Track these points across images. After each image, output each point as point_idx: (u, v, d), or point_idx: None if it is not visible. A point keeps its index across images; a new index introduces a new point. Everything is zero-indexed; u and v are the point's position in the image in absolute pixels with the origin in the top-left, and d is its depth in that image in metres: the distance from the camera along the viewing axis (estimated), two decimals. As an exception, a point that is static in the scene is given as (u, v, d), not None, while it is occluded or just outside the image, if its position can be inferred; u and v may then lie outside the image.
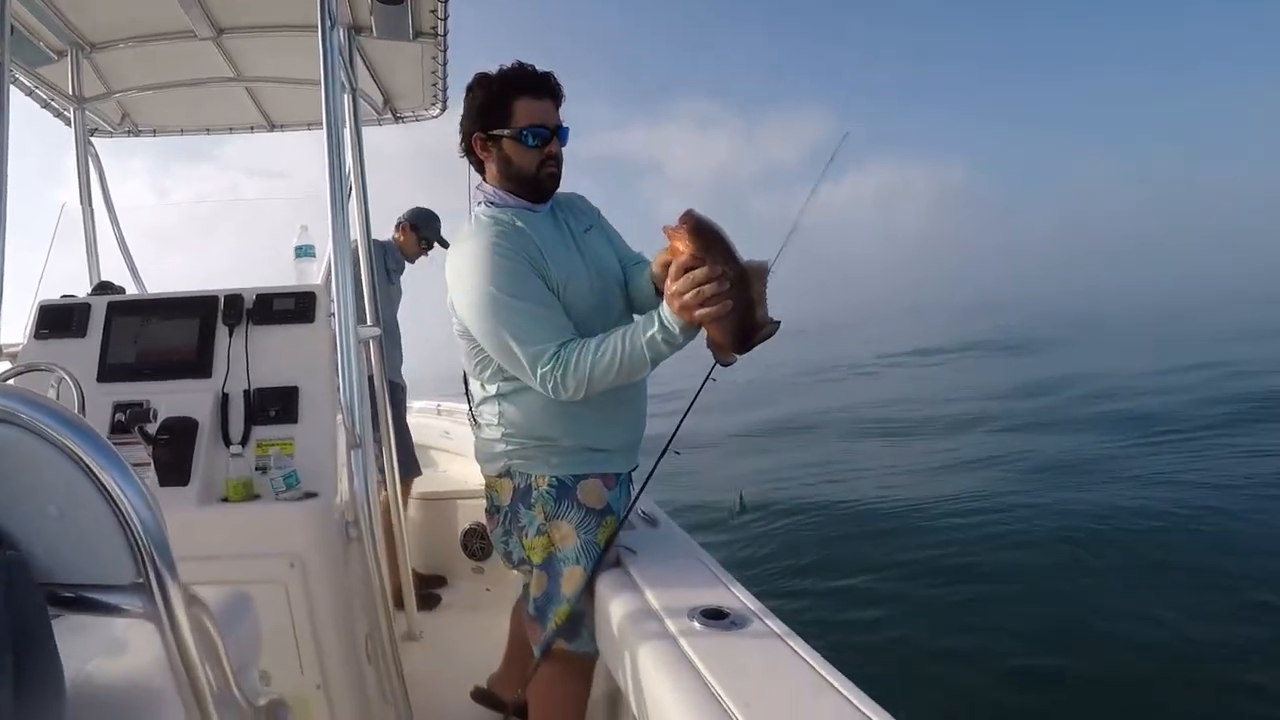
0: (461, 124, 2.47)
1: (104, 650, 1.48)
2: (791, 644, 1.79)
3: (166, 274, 4.06)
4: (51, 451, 1.04)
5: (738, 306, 1.99)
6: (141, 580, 1.07)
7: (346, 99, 3.45)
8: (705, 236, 1.98)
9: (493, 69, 2.42)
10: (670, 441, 2.40)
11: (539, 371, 2.20)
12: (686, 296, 1.98)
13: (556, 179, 2.45)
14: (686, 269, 1.98)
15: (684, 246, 1.99)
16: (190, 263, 4.23)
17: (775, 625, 1.89)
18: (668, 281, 2.04)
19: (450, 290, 2.38)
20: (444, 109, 4.66)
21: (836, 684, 1.61)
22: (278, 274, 3.28)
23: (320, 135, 4.84)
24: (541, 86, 2.39)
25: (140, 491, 1.06)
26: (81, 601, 1.09)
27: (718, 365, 2.18)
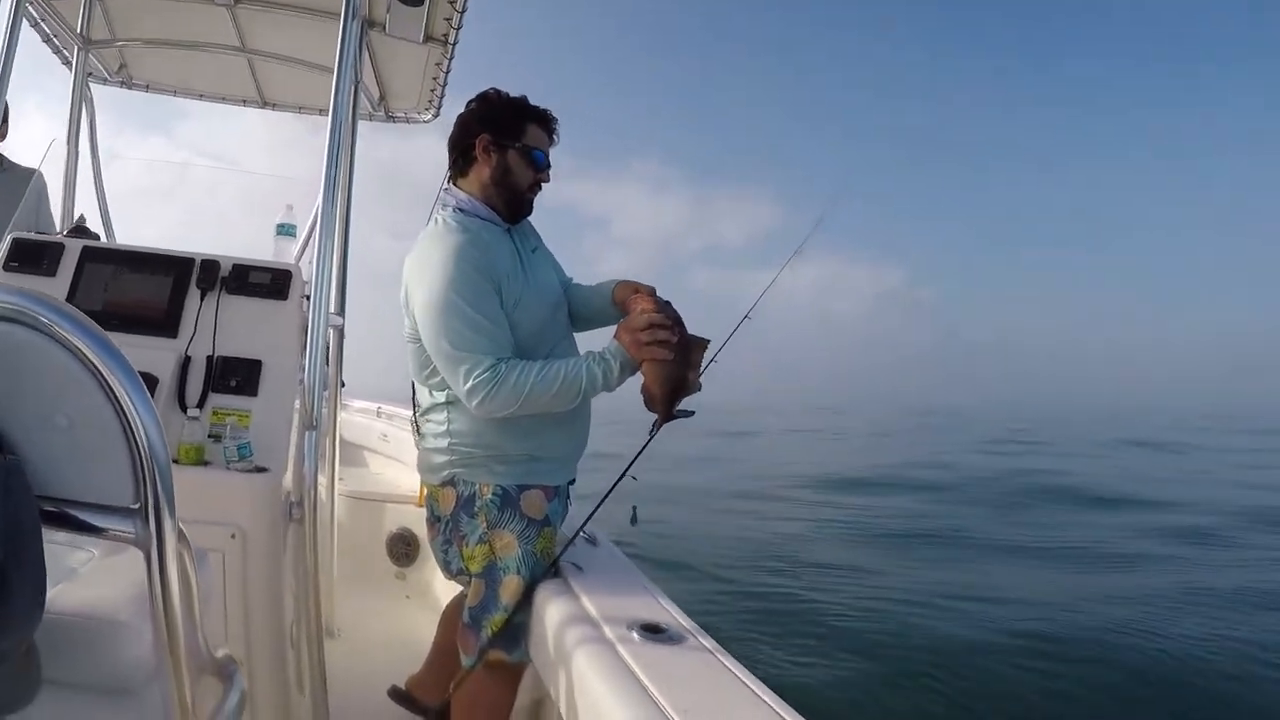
0: (466, 125, 2.52)
1: (69, 577, 1.48)
2: (724, 660, 1.85)
3: (140, 232, 4.05)
4: (69, 358, 1.04)
5: (677, 362, 2.32)
6: (138, 506, 1.07)
7: (350, 91, 3.46)
8: (664, 305, 2.38)
9: (499, 90, 2.54)
10: (629, 467, 2.44)
11: (472, 380, 2.24)
12: (643, 334, 2.30)
13: (532, 205, 2.58)
14: (646, 313, 2.34)
15: (645, 304, 2.39)
16: (161, 223, 4.22)
17: (708, 642, 1.95)
18: (625, 322, 2.37)
19: (408, 287, 2.42)
20: (436, 115, 4.68)
21: (768, 699, 1.67)
22: (243, 248, 3.25)
23: (306, 120, 4.84)
24: (549, 123, 2.55)
25: (154, 414, 1.06)
26: (71, 519, 1.09)
27: (657, 425, 2.40)
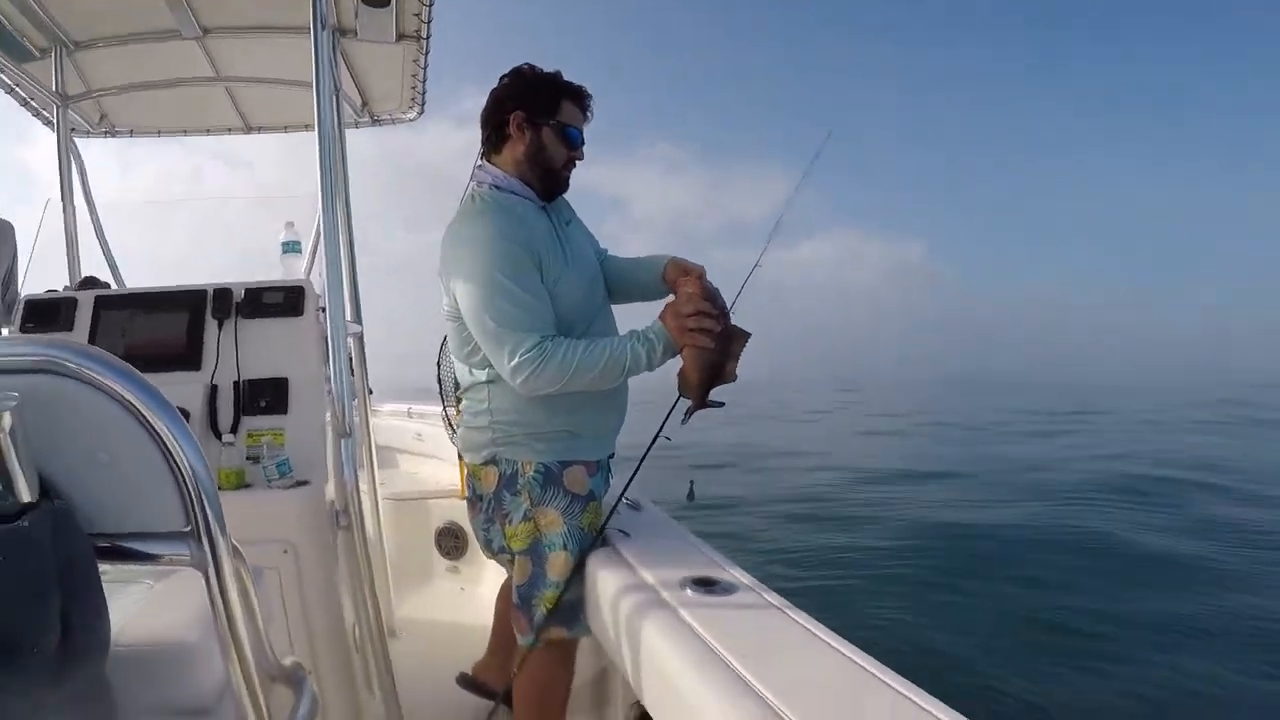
0: (499, 101, 2.48)
1: (136, 607, 1.52)
2: (782, 607, 1.88)
3: (144, 269, 4.09)
4: (101, 399, 1.07)
5: (717, 350, 2.31)
6: (190, 528, 1.10)
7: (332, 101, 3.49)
8: (712, 290, 2.36)
9: (532, 65, 2.50)
10: (660, 430, 2.44)
11: (518, 357, 2.23)
12: (689, 320, 2.28)
13: (568, 182, 2.54)
14: (693, 300, 2.32)
15: (693, 289, 2.35)
16: (168, 258, 4.26)
17: (764, 592, 1.98)
18: (672, 305, 2.34)
19: (447, 264, 2.40)
20: (421, 112, 4.69)
21: (831, 641, 1.69)
22: (251, 272, 3.29)
23: (294, 137, 4.85)
24: (584, 99, 2.51)
25: (191, 438, 1.09)
26: (127, 551, 1.12)
27: (689, 411, 2.41)
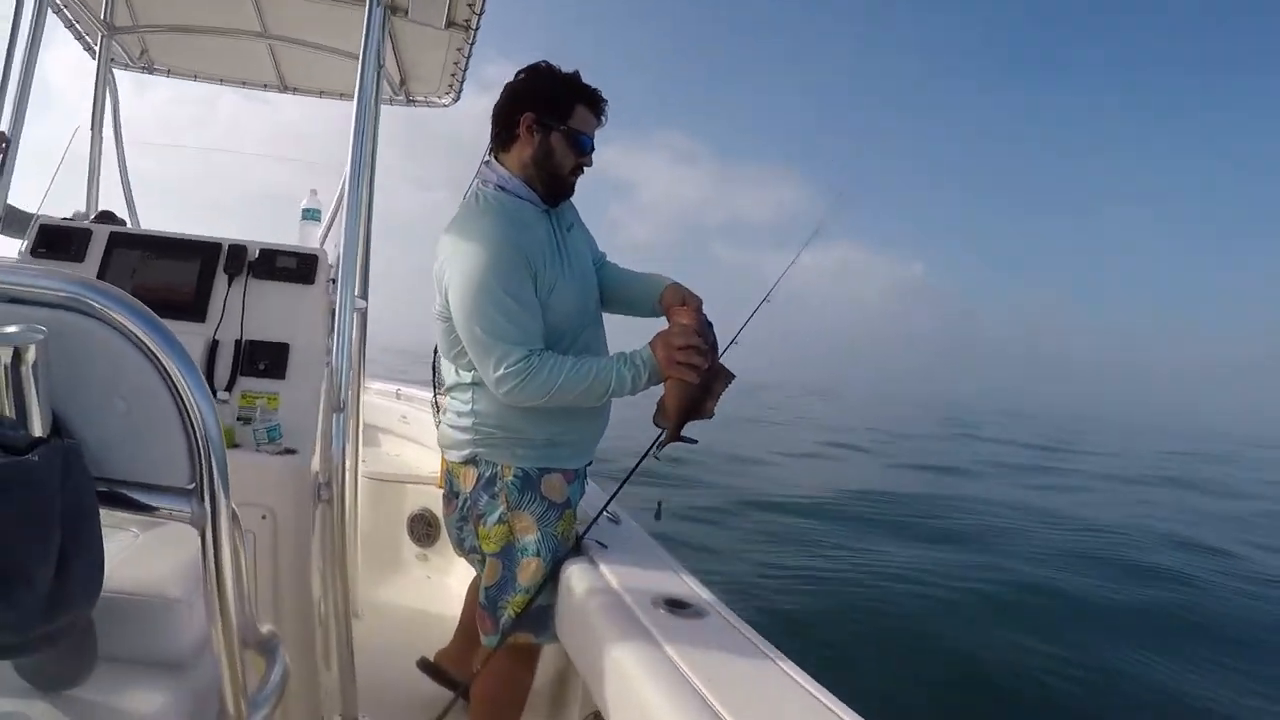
0: (512, 99, 2.47)
1: (122, 555, 1.52)
2: (747, 634, 1.91)
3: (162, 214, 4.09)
4: (124, 344, 1.07)
5: (700, 386, 2.34)
6: (194, 486, 1.10)
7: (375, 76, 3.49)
8: (706, 326, 2.38)
9: (550, 63, 2.48)
10: (649, 450, 2.46)
11: (503, 369, 2.25)
12: (679, 352, 2.30)
13: (574, 188, 2.54)
14: (686, 332, 2.33)
15: (687, 320, 2.37)
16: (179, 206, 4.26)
17: (735, 620, 2.00)
18: (665, 334, 2.35)
19: (444, 262, 2.40)
20: (456, 99, 4.69)
21: (790, 671, 1.73)
22: (267, 232, 3.29)
23: (327, 104, 4.86)
24: (599, 104, 2.49)
25: (208, 397, 1.09)
26: (127, 500, 1.12)
27: (662, 442, 2.45)
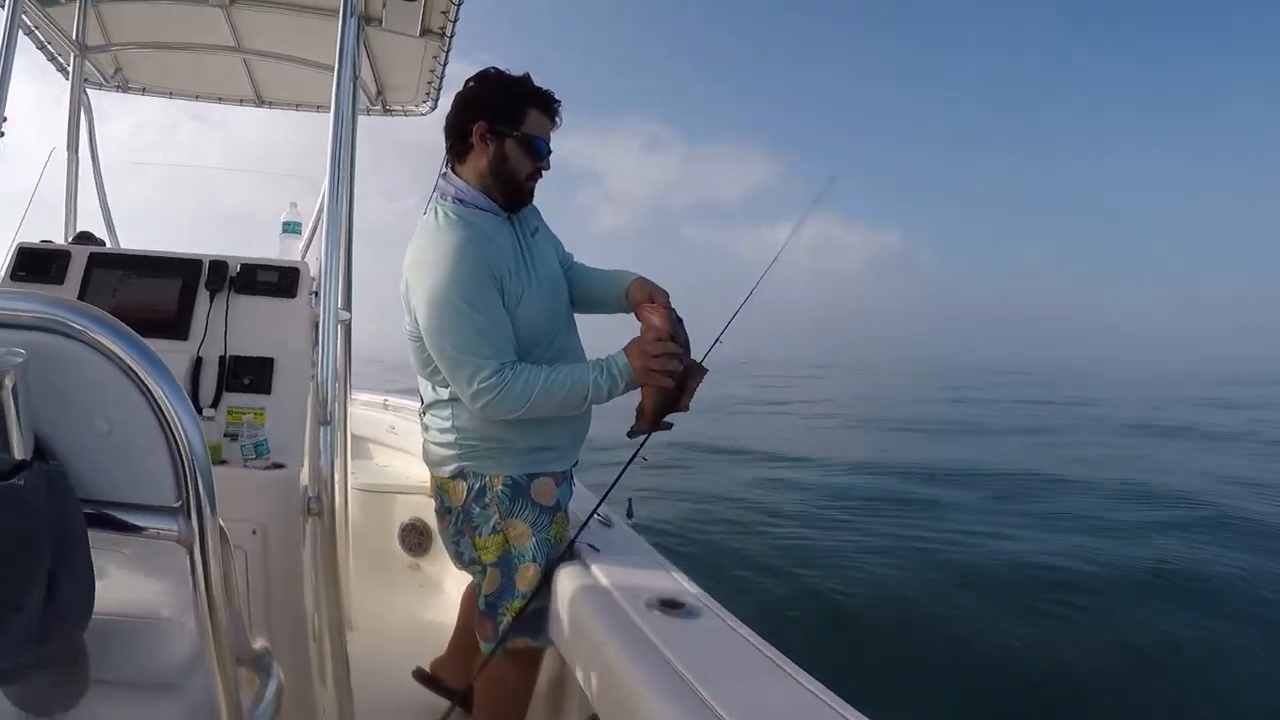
0: (463, 109, 2.46)
1: (111, 576, 1.51)
2: (741, 631, 1.92)
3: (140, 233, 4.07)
4: (104, 363, 1.06)
5: (674, 388, 2.37)
6: (180, 504, 1.10)
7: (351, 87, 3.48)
8: (678, 327, 2.39)
9: (499, 69, 2.47)
10: (637, 453, 2.47)
11: (476, 385, 2.25)
12: (655, 360, 2.32)
13: (533, 194, 2.52)
14: (660, 339, 2.34)
15: (659, 323, 2.38)
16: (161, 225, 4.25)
17: (729, 618, 2.01)
18: (639, 343, 2.36)
19: (408, 282, 2.40)
20: (434, 107, 4.69)
21: (786, 667, 1.73)
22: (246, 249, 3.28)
23: (304, 117, 4.85)
24: (552, 106, 2.47)
25: (191, 413, 1.09)
26: (113, 520, 1.11)
27: (644, 444, 2.50)
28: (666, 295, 2.49)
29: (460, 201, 2.44)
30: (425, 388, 2.57)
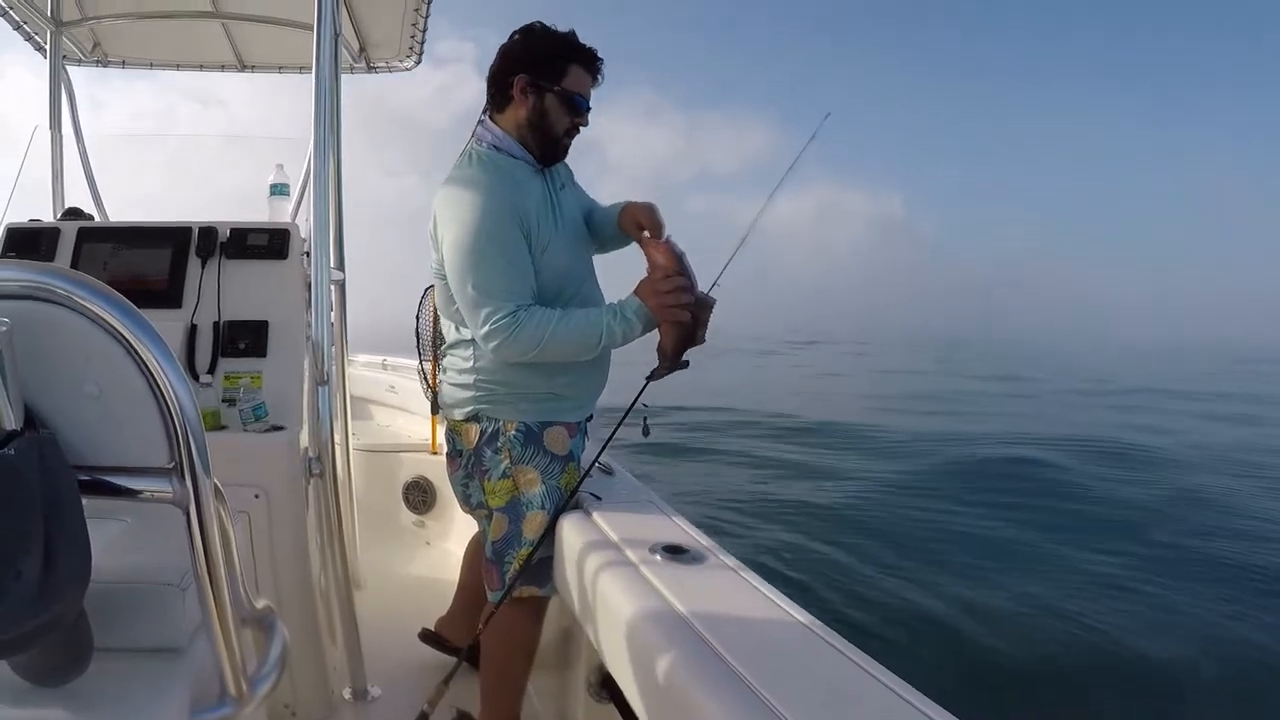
0: (505, 61, 2.44)
1: (114, 542, 1.51)
2: (744, 575, 1.92)
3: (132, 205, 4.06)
4: (91, 328, 1.06)
5: (691, 320, 2.37)
6: (173, 465, 1.10)
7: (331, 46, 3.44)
8: (683, 261, 2.37)
9: (544, 24, 2.46)
10: (637, 398, 2.47)
11: (490, 324, 2.25)
12: (668, 295, 2.31)
13: (567, 150, 2.52)
14: (669, 276, 2.33)
15: (664, 260, 2.36)
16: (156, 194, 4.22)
17: (729, 560, 2.02)
18: (650, 282, 2.34)
19: (438, 219, 2.40)
20: (418, 62, 4.66)
21: (788, 608, 1.74)
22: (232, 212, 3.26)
23: (289, 79, 4.80)
24: (595, 64, 2.46)
25: (180, 373, 1.08)
26: (109, 485, 1.11)
27: (654, 375, 2.47)
28: (653, 215, 2.49)
29: (495, 148, 2.44)
30: (448, 328, 2.56)
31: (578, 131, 2.49)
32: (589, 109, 2.47)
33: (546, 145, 2.45)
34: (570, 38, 2.43)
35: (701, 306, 2.38)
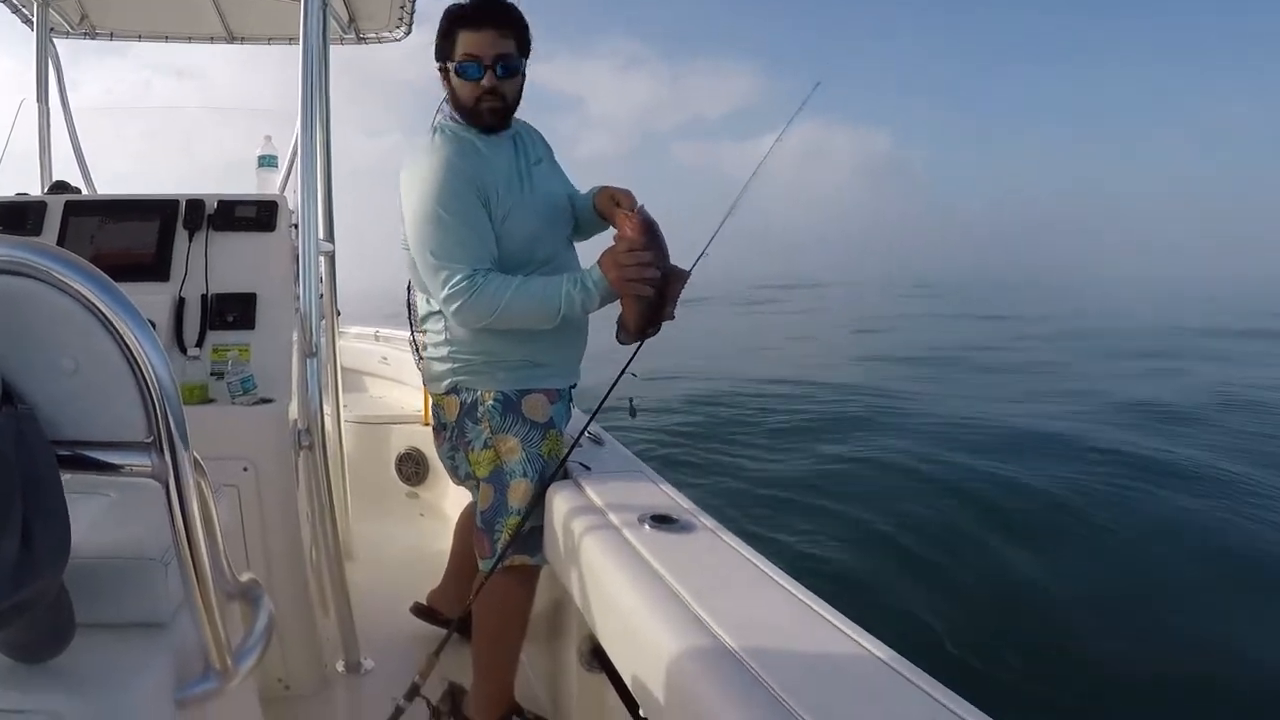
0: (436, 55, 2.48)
1: (96, 518, 1.51)
2: (733, 544, 1.94)
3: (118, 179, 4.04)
4: (68, 303, 1.05)
5: (655, 295, 2.29)
6: (151, 439, 1.09)
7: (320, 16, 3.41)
8: (653, 233, 2.29)
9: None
10: (626, 367, 2.46)
11: (450, 288, 2.27)
12: (629, 269, 2.25)
13: (497, 112, 2.44)
14: (633, 249, 2.26)
15: (633, 233, 2.28)
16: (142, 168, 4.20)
17: (721, 531, 2.03)
18: (611, 253, 2.28)
19: (401, 193, 2.43)
20: (408, 33, 4.61)
21: (782, 581, 1.74)
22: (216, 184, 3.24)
23: (273, 52, 4.76)
24: (479, 17, 2.38)
25: (157, 346, 1.08)
26: (87, 460, 1.11)
27: (632, 358, 2.42)
28: (631, 197, 2.46)
29: (456, 120, 2.46)
30: (420, 301, 2.58)
31: (493, 96, 2.41)
32: (488, 68, 2.37)
33: (471, 119, 2.43)
34: (454, 7, 2.39)
35: (671, 280, 2.32)
